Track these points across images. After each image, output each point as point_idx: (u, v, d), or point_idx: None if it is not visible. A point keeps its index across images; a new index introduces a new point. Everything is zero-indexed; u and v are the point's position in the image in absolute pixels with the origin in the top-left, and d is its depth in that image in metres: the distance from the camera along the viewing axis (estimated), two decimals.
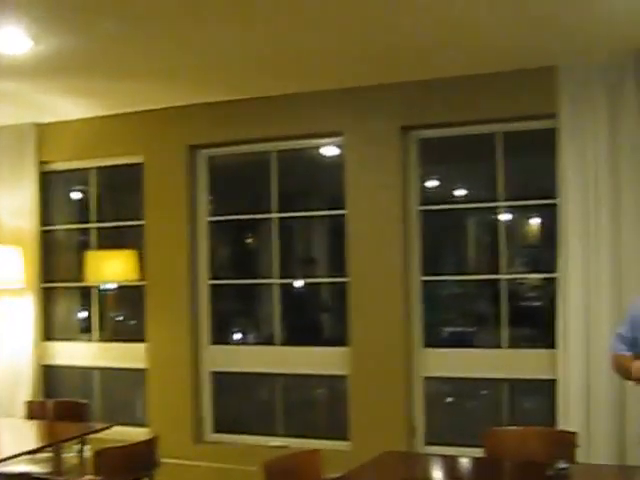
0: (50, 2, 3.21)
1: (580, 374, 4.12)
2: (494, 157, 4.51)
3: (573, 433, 3.43)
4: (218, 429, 5.12)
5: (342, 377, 4.72)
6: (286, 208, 5.09)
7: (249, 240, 5.76)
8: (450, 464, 3.36)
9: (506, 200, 4.53)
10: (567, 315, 4.15)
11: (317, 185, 5.43)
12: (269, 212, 5.12)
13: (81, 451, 4.01)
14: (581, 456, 3.51)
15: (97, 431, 4.00)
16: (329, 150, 5.06)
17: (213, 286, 5.16)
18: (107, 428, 4.09)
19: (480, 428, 3.50)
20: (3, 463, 3.41)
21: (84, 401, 4.35)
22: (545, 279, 4.60)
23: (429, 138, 4.66)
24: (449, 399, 4.96)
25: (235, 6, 3.25)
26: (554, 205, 4.16)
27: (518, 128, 4.43)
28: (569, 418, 4.11)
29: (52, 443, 3.92)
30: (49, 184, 5.69)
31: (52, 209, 5.77)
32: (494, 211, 4.63)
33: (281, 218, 5.10)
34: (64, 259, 5.85)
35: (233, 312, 5.57)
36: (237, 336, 5.52)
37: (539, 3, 3.30)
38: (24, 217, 5.47)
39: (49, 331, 5.64)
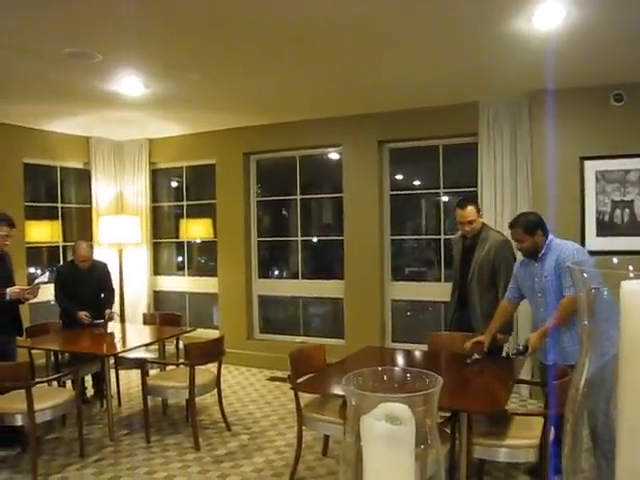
0: (158, 64, 4.07)
1: None
2: (438, 160, 5.76)
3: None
4: (262, 331, 6.63)
5: (340, 299, 6.13)
6: (305, 192, 6.45)
7: (283, 213, 6.83)
8: (407, 354, 4.18)
9: (445, 188, 5.81)
10: None
11: (325, 178, 6.59)
12: (295, 195, 6.51)
13: (177, 345, 5.01)
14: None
15: (187, 332, 5.01)
16: (333, 155, 6.37)
17: (260, 242, 6.64)
18: (193, 330, 5.11)
19: (425, 332, 4.43)
20: (130, 351, 4.50)
21: (179, 313, 5.41)
22: None
23: (397, 148, 5.95)
24: (407, 313, 6.21)
25: (277, 64, 4.11)
26: (475, 191, 5.38)
27: (452, 142, 5.65)
28: None
29: (159, 339, 4.83)
30: (156, 176, 7.13)
31: (159, 192, 7.26)
32: (437, 195, 5.91)
33: (302, 199, 6.52)
34: (166, 224, 7.30)
35: (272, 258, 6.79)
36: (275, 272, 6.79)
37: (470, 63, 4.18)
38: (141, 197, 6.94)
39: (157, 269, 7.17)
